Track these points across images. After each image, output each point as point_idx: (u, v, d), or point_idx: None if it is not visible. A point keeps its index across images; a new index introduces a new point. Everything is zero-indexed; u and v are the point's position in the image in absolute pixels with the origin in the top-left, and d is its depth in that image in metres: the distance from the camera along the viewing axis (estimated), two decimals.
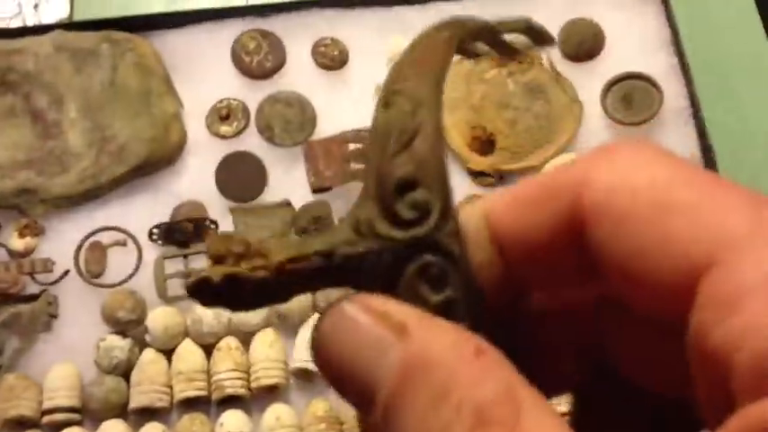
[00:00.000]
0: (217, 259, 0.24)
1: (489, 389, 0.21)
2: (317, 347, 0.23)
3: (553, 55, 1.04)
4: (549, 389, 0.27)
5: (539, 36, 0.32)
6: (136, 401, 0.87)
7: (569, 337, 0.27)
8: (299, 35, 1.05)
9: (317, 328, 0.23)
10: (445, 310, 0.23)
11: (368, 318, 0.22)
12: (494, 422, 0.20)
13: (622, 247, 0.22)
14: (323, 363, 0.23)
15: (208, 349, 0.90)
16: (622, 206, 0.22)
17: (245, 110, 1.01)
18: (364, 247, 0.24)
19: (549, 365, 0.26)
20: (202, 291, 0.24)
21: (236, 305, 0.25)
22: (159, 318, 0.90)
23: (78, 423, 0.88)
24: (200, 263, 0.94)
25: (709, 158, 0.96)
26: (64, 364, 0.89)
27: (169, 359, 0.90)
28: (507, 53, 0.32)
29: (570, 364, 0.27)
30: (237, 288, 0.24)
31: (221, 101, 1.02)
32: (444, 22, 0.27)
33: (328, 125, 1.00)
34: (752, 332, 0.19)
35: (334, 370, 0.23)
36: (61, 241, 0.95)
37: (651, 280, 0.22)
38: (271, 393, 0.89)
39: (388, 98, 0.25)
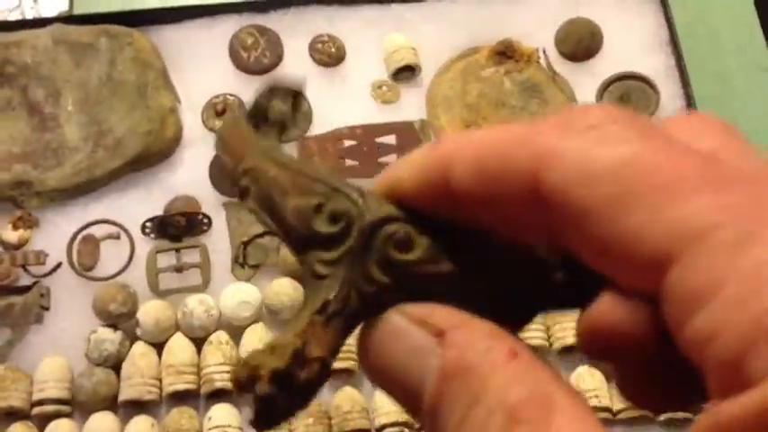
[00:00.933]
0: (248, 380, 0.24)
1: (521, 390, 0.21)
2: (365, 354, 0.25)
3: (550, 54, 1.04)
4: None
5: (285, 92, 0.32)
6: (125, 394, 0.87)
7: None
8: (296, 31, 1.05)
9: (362, 336, 0.25)
10: (433, 259, 0.24)
11: (409, 325, 0.24)
12: (525, 422, 0.21)
13: (583, 239, 0.22)
14: (371, 369, 0.25)
15: (198, 343, 0.90)
16: (580, 201, 0.22)
17: (241, 105, 1.01)
18: (340, 278, 0.25)
19: None
20: (268, 409, 0.24)
21: (295, 401, 0.25)
22: (150, 311, 0.90)
23: (68, 415, 0.88)
24: (192, 257, 0.94)
25: None
26: (54, 356, 0.89)
27: (159, 353, 0.90)
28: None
29: None
30: (287, 378, 0.24)
31: (217, 96, 1.02)
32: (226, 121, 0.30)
33: (324, 121, 1.00)
34: (714, 336, 0.19)
35: (381, 375, 0.24)
36: (55, 234, 0.95)
37: (615, 271, 0.22)
38: None
39: (241, 188, 0.27)
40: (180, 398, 0.88)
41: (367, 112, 1.01)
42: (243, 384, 0.24)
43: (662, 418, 0.87)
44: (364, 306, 0.25)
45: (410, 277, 0.24)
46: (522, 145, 0.23)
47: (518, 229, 0.24)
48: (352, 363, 0.87)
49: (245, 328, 0.90)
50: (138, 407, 0.88)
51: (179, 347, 0.89)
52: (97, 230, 0.95)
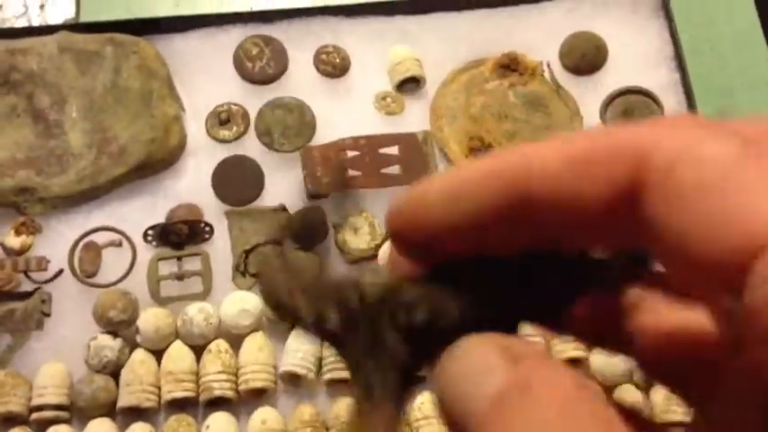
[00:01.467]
0: None
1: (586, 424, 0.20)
2: (437, 375, 0.24)
3: (554, 67, 1.04)
4: None
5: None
6: (124, 401, 0.87)
7: None
8: (301, 42, 1.05)
9: (436, 369, 0.24)
10: (452, 312, 0.24)
11: (487, 348, 0.22)
12: None
13: (680, 219, 0.21)
14: (439, 389, 0.23)
15: (198, 351, 0.90)
16: (686, 178, 0.21)
17: (245, 115, 1.02)
18: (372, 366, 0.24)
19: None
20: None
21: None
22: (151, 318, 0.90)
23: (66, 421, 0.88)
24: (194, 265, 0.94)
25: None
26: (54, 363, 0.89)
27: (159, 360, 0.90)
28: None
29: None
30: None
31: (222, 105, 1.02)
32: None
33: (327, 132, 1.01)
34: None
35: (443, 393, 0.23)
36: (57, 240, 0.96)
37: (705, 252, 0.20)
38: (258, 397, 0.89)
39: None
40: (179, 405, 0.88)
41: (371, 123, 1.01)
42: None
43: None
44: (405, 374, 0.25)
45: (436, 337, 0.24)
46: (621, 135, 0.22)
47: (584, 237, 0.24)
48: None
49: (245, 336, 0.90)
50: (136, 414, 0.88)
51: (178, 355, 0.89)
52: (99, 237, 0.95)
